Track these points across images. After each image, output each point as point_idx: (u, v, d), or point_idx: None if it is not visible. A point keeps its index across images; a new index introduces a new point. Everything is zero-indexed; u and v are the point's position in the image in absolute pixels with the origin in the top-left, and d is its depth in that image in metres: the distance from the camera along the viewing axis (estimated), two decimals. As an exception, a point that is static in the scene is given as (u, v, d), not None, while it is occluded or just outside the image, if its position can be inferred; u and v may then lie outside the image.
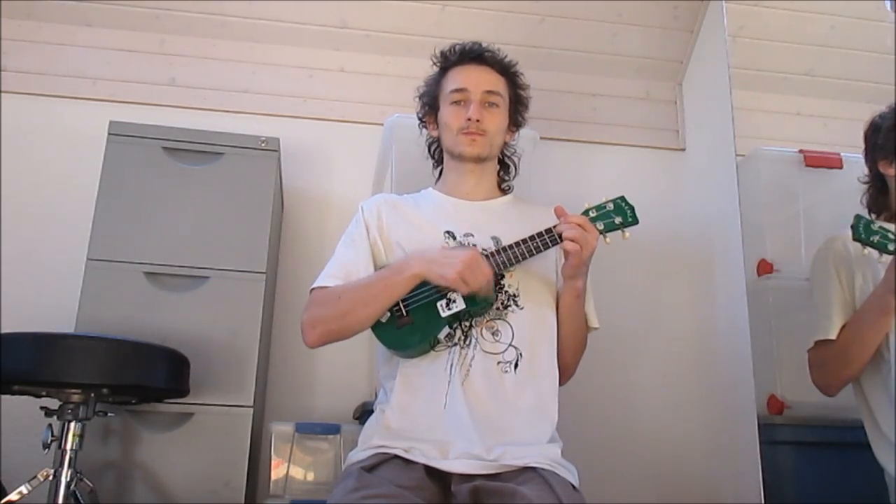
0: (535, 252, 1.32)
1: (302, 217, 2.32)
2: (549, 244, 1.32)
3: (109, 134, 1.89)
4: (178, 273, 1.81)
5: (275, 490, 1.77)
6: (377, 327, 1.32)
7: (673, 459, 2.23)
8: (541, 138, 2.02)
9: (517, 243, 1.32)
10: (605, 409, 2.23)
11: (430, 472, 1.21)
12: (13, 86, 2.27)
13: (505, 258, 1.31)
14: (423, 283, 1.30)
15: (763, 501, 1.79)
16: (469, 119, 1.43)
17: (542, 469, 1.19)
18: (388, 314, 1.31)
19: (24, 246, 2.14)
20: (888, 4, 2.23)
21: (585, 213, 1.34)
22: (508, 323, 1.33)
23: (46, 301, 2.04)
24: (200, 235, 1.85)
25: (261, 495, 1.84)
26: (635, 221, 1.35)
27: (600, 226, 1.33)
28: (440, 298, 1.29)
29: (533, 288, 1.38)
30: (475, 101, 1.45)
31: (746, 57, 2.30)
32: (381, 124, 1.99)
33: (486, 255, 1.31)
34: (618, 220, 1.34)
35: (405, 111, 1.73)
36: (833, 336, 1.56)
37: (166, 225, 1.85)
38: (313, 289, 1.38)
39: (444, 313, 1.28)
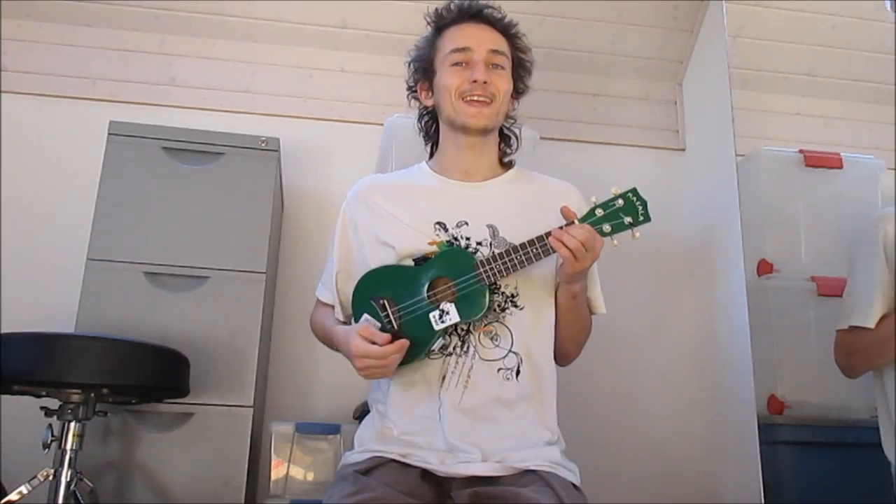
0: (533, 260, 1.22)
1: (302, 217, 2.32)
2: (551, 251, 1.21)
3: (109, 134, 1.89)
4: (178, 273, 1.82)
5: (275, 490, 1.77)
6: None
7: (673, 459, 2.23)
8: (541, 138, 2.02)
9: (514, 249, 1.22)
10: (605, 408, 2.24)
11: (428, 476, 1.19)
12: (13, 86, 2.27)
13: (501, 266, 1.23)
14: (416, 294, 1.25)
15: (763, 501, 1.79)
16: (475, 81, 1.28)
17: (543, 471, 1.17)
18: (380, 326, 1.25)
19: (24, 246, 2.14)
20: (888, 4, 2.23)
21: (592, 211, 1.22)
22: (507, 327, 1.26)
23: (46, 301, 2.03)
24: (200, 235, 1.85)
25: (261, 495, 1.84)
26: (647, 219, 1.21)
27: (607, 227, 1.20)
28: (433, 310, 1.23)
29: (532, 286, 1.30)
30: (479, 61, 1.30)
31: (746, 57, 2.30)
32: (381, 124, 1.99)
33: (482, 262, 1.23)
34: (627, 219, 1.21)
35: (405, 111, 1.71)
36: (871, 325, 1.49)
37: (166, 225, 1.85)
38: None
39: (438, 326, 1.22)
